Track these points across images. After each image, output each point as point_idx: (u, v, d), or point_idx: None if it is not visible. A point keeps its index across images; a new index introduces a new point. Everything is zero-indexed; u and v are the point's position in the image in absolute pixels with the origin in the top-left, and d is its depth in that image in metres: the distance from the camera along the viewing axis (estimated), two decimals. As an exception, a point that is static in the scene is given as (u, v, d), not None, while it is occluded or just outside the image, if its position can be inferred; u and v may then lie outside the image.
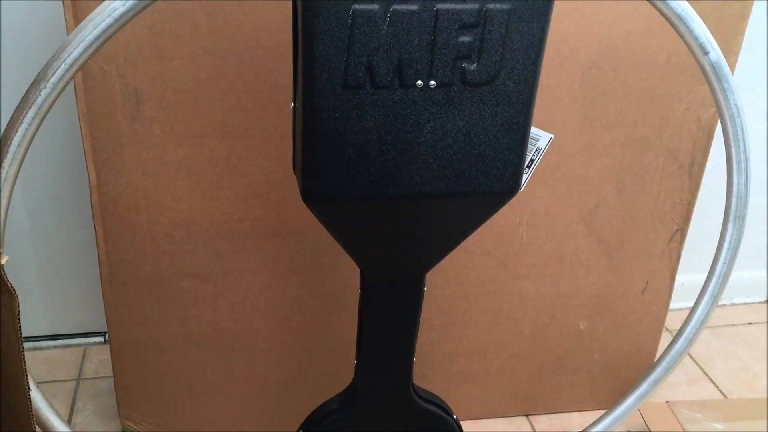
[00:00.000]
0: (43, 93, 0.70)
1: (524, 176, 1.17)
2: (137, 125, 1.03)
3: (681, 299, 1.54)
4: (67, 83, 0.71)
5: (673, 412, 1.31)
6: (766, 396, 1.46)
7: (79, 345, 1.54)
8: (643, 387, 1.10)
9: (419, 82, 0.72)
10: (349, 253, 0.85)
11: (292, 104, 0.78)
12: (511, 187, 0.79)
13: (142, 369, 1.21)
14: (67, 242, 1.44)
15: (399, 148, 0.74)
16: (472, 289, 1.26)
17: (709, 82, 0.87)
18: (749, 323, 1.72)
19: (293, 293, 1.20)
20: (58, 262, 1.46)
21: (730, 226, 0.94)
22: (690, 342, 1.04)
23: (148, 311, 1.17)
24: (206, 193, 1.09)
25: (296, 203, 1.12)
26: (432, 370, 1.31)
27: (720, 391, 1.50)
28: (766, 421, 1.31)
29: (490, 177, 0.78)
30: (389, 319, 0.93)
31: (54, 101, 0.71)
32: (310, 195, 0.76)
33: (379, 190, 0.76)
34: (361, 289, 0.91)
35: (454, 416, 1.05)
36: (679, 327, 1.06)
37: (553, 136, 1.14)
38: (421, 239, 0.83)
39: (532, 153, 1.16)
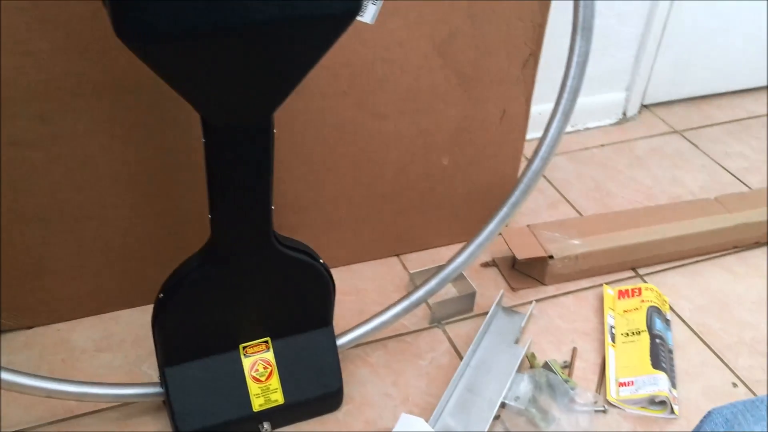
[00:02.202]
0: None
1: (374, 8, 1.10)
2: None
3: (539, 129, 1.57)
4: None
5: (533, 234, 1.37)
6: (615, 211, 1.54)
7: None
8: (504, 211, 1.12)
9: None
10: (182, 95, 0.77)
11: None
12: (349, 9, 0.73)
13: (-22, 252, 1.11)
14: None
15: (220, -33, 0.65)
16: (330, 133, 1.21)
17: None
18: (602, 145, 1.79)
19: (137, 154, 1.10)
20: None
21: (578, 37, 0.92)
22: (546, 161, 1.05)
23: (-28, 188, 1.05)
24: (15, 46, 0.95)
25: (125, 52, 1.01)
26: (297, 219, 1.28)
27: (576, 211, 1.57)
28: (614, 233, 1.39)
29: (326, -3, 0.71)
30: (239, 167, 0.87)
31: None
32: (124, 31, 0.66)
33: (205, 21, 0.67)
34: (204, 137, 0.84)
35: (321, 260, 1.03)
36: (535, 151, 1.08)
37: (399, -40, 1.07)
38: (260, 75, 0.76)
39: (380, -20, 1.09)
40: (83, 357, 1.18)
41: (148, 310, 1.00)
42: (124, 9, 0.65)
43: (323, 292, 1.05)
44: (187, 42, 0.70)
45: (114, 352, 1.19)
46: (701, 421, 0.68)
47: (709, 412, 0.68)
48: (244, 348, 1.04)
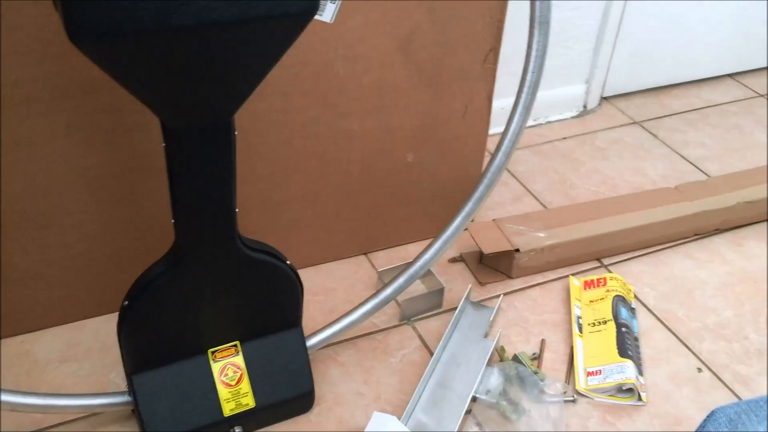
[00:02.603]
0: None
1: (333, 6, 1.10)
2: None
3: (502, 123, 1.58)
4: None
5: (499, 228, 1.38)
6: (579, 202, 1.56)
7: None
8: (469, 206, 1.12)
9: None
10: (139, 98, 0.76)
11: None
12: (307, 8, 0.73)
13: (-65, 265, 1.08)
14: None
15: (174, -31, 0.65)
16: (295, 132, 1.21)
17: None
18: (564, 138, 1.81)
19: (98, 159, 1.09)
20: None
21: (535, 32, 0.93)
22: (508, 155, 1.06)
23: (-74, 200, 1.02)
24: (-33, 53, 0.93)
25: (83, 56, 0.99)
26: (264, 220, 1.27)
27: (541, 203, 1.59)
28: (578, 224, 1.41)
29: (284, -4, 0.71)
30: (200, 169, 0.86)
31: None
32: (77, 33, 0.65)
33: (158, 20, 0.66)
34: (164, 141, 0.83)
35: (288, 262, 1.03)
36: (499, 146, 1.09)
37: (357, -42, 1.07)
38: (219, 75, 0.76)
39: (338, -21, 1.08)
40: (48, 368, 1.16)
41: (114, 318, 0.99)
42: (76, 11, 0.64)
43: (291, 293, 1.05)
44: (142, 43, 0.69)
45: (80, 361, 1.17)
46: (704, 421, 0.68)
47: (713, 412, 0.68)
48: (212, 353, 1.03)
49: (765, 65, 2.14)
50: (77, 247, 1.15)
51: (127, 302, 0.95)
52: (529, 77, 0.98)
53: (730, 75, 2.11)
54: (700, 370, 1.22)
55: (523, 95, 1.00)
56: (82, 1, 0.63)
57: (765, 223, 1.54)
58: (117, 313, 0.98)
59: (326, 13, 1.10)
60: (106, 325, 1.23)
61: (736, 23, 1.97)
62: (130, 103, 1.05)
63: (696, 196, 1.49)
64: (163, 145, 0.83)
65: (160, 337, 0.98)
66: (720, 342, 1.27)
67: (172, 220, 0.90)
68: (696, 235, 1.50)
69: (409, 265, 1.17)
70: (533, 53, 0.96)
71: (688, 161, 1.75)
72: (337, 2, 1.09)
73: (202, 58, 0.73)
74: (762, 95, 2.03)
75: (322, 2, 1.08)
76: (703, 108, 1.96)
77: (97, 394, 1.04)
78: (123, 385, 1.11)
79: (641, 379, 1.17)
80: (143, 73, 0.71)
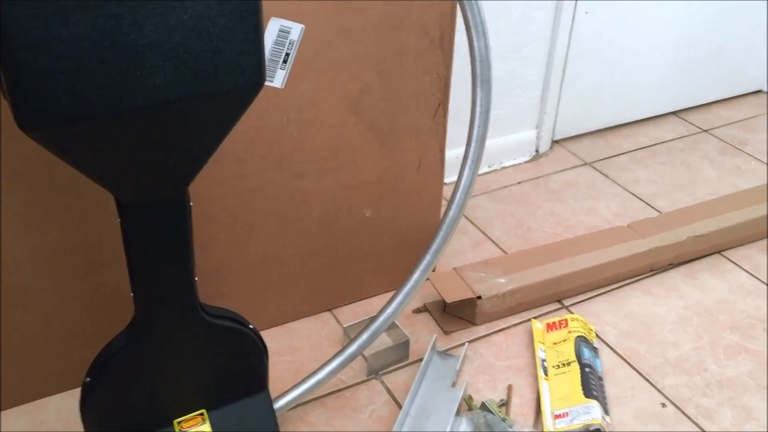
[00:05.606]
0: None
1: (283, 72, 1.13)
2: None
3: (457, 172, 1.62)
4: None
5: (460, 276, 1.40)
6: (537, 245, 1.59)
7: None
8: (427, 258, 1.14)
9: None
10: (93, 179, 0.77)
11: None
12: (255, 80, 0.75)
13: None
14: None
15: (121, 54, 0.67)
16: (253, 196, 1.22)
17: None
18: (519, 182, 1.86)
19: (56, 236, 1.09)
20: None
21: (478, 90, 0.97)
22: (462, 207, 1.09)
23: None
24: None
25: (34, 136, 1.00)
26: (228, 285, 1.28)
27: (500, 248, 1.62)
28: (538, 268, 1.44)
29: (229, 73, 0.73)
30: (157, 242, 0.86)
31: None
32: (26, 121, 0.67)
33: (108, 105, 0.68)
34: (120, 215, 0.84)
35: (251, 326, 1.03)
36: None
37: (304, 26, 1.11)
38: (171, 151, 0.77)
39: (286, 47, 1.12)
40: (11, 450, 1.14)
41: (76, 393, 0.98)
42: (24, 100, 0.65)
43: (255, 357, 1.05)
44: (92, 128, 0.70)
45: (44, 440, 1.15)
46: None
47: None
48: (179, 423, 1.02)
49: (706, 101, 2.23)
50: (38, 324, 1.14)
51: (88, 379, 0.94)
52: (475, 132, 1.02)
53: (673, 113, 2.19)
54: (664, 405, 1.24)
55: (471, 149, 1.03)
56: (29, 90, 0.64)
57: (717, 255, 1.59)
58: (79, 389, 0.97)
59: (276, 79, 1.13)
60: (69, 402, 1.21)
61: (675, 62, 2.06)
62: (86, 179, 1.06)
63: (649, 233, 1.54)
64: (119, 220, 0.84)
65: (124, 411, 0.97)
66: (682, 376, 1.30)
67: (131, 293, 0.90)
68: (651, 270, 1.54)
69: (372, 319, 1.18)
70: (477, 109, 1.00)
71: (639, 198, 1.80)
72: (287, 68, 1.13)
73: (153, 135, 0.74)
74: (705, 130, 2.11)
75: (272, 69, 1.11)
76: (650, 146, 2.03)
77: (62, 474, 1.02)
78: (89, 462, 1.09)
79: (607, 418, 1.19)
80: (95, 155, 0.73)
